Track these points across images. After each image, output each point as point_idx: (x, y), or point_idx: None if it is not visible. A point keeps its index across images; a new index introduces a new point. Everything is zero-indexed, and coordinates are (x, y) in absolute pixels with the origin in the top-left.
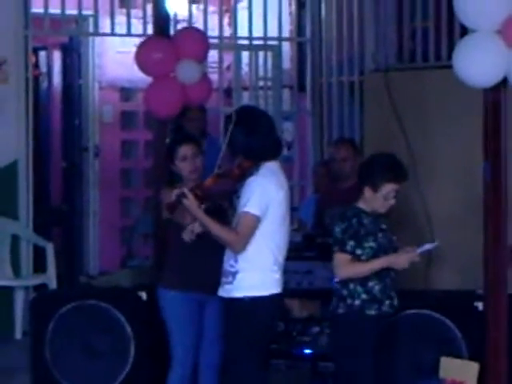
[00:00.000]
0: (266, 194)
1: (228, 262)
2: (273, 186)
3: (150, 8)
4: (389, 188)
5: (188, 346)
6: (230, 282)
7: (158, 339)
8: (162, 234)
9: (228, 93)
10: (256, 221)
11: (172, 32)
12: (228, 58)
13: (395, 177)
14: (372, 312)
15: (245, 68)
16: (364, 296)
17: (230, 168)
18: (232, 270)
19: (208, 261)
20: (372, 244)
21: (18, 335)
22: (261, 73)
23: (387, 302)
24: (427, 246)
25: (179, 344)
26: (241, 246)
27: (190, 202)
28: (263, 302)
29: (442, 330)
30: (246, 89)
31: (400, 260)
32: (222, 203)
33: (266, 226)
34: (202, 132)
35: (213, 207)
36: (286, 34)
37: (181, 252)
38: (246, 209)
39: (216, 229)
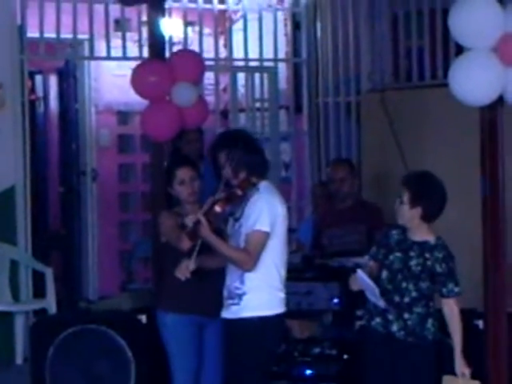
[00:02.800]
0: (273, 211)
1: (233, 285)
2: (277, 201)
3: (145, 31)
4: None
5: (188, 370)
6: (237, 304)
7: (159, 363)
8: (161, 258)
9: (224, 114)
10: (266, 237)
11: (167, 55)
12: (224, 80)
13: None
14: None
15: (241, 89)
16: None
17: (232, 191)
18: (238, 291)
19: (206, 283)
20: None
21: (19, 360)
22: (257, 94)
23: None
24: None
25: (180, 367)
26: (253, 265)
27: (205, 228)
28: (271, 322)
29: (442, 348)
30: (242, 110)
31: None
32: (220, 225)
33: (273, 243)
34: (199, 154)
35: (213, 230)
36: (281, 55)
37: (175, 274)
38: (257, 227)
39: (228, 251)
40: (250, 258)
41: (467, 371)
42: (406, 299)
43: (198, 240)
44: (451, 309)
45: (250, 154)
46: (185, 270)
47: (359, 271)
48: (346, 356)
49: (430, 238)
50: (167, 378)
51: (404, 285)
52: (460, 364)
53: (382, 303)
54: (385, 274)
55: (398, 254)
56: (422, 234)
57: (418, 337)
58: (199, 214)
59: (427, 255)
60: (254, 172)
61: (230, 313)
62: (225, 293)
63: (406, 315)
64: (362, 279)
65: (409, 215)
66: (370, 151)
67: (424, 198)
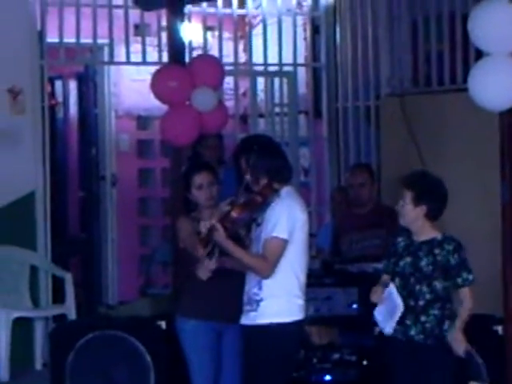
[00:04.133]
0: (292, 217)
1: (251, 290)
2: (297, 208)
3: (164, 36)
4: None
5: (207, 375)
6: (255, 310)
7: (178, 369)
8: (179, 263)
9: (244, 119)
10: (284, 245)
11: (187, 59)
12: (243, 85)
13: None
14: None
15: (260, 94)
16: None
17: (252, 197)
18: (256, 297)
19: (226, 289)
20: None
21: (38, 366)
22: (276, 99)
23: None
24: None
25: (198, 373)
26: (270, 272)
27: (220, 234)
28: (289, 329)
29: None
30: (261, 115)
31: None
32: (239, 231)
33: (292, 250)
34: (218, 159)
35: (230, 235)
36: (301, 59)
37: (198, 281)
38: (275, 233)
39: (245, 257)
40: (268, 265)
41: (463, 347)
42: (421, 302)
43: (211, 247)
44: (465, 296)
45: (272, 159)
46: (206, 269)
47: (392, 285)
48: (365, 362)
49: (437, 235)
50: (186, 383)
51: (417, 288)
52: (458, 339)
53: (390, 326)
54: (397, 281)
55: (408, 259)
56: (427, 232)
57: (437, 338)
58: (214, 220)
59: (436, 251)
60: (276, 178)
61: (248, 319)
62: (244, 298)
63: (423, 318)
64: (390, 294)
65: (413, 215)
66: (390, 156)
67: (427, 195)
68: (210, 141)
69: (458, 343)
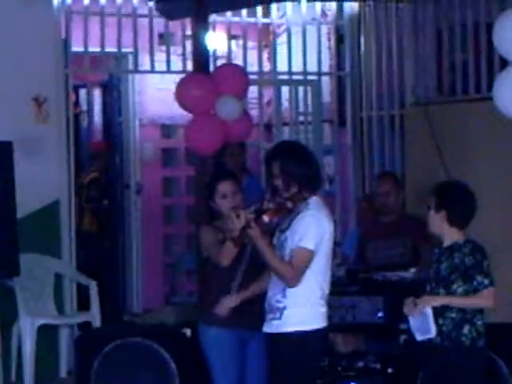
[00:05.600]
0: (320, 228)
1: (274, 298)
2: (325, 219)
3: (189, 45)
4: None
5: (230, 383)
6: (278, 318)
7: (203, 376)
8: (203, 272)
9: (268, 128)
10: (311, 256)
11: (211, 68)
12: (268, 93)
13: None
14: None
15: (285, 103)
16: None
17: (282, 202)
18: (280, 305)
19: (250, 298)
20: None
21: (63, 373)
22: (301, 107)
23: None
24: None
25: (222, 381)
26: (297, 281)
27: (255, 232)
28: (312, 337)
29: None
30: (286, 124)
31: None
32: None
33: (317, 260)
34: (241, 168)
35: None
36: (325, 68)
37: (221, 289)
38: (302, 244)
39: (276, 262)
40: (295, 274)
41: (423, 306)
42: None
43: (239, 255)
44: (485, 302)
45: (304, 167)
46: (225, 307)
47: (429, 309)
48: (389, 370)
49: (459, 239)
50: None
51: (435, 291)
52: (427, 299)
53: (419, 337)
54: (428, 287)
55: (434, 265)
56: (451, 237)
57: (454, 341)
58: (248, 216)
59: (456, 254)
60: (306, 186)
61: (271, 327)
62: (266, 306)
63: (440, 321)
64: (426, 316)
65: (436, 221)
66: (414, 165)
67: (447, 201)
68: (232, 149)
69: (423, 302)
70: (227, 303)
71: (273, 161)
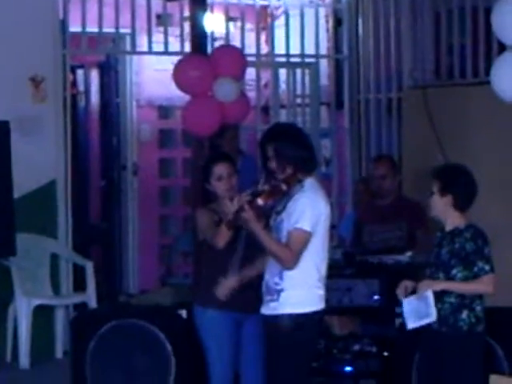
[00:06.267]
0: (316, 210)
1: (272, 280)
2: (321, 200)
3: (187, 26)
4: None
5: (226, 365)
6: (276, 300)
7: (199, 358)
8: (198, 255)
9: (265, 110)
10: (308, 237)
11: (209, 50)
12: (265, 76)
13: None
14: None
15: (282, 85)
16: None
17: (276, 185)
18: (277, 287)
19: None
20: None
21: (59, 354)
22: (298, 90)
23: None
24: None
25: (218, 363)
26: (294, 263)
27: (249, 215)
28: (308, 319)
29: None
30: (283, 106)
31: None
32: (258, 221)
33: (314, 242)
34: (236, 150)
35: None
36: (323, 51)
37: (216, 271)
38: (299, 225)
39: (271, 244)
40: (292, 256)
41: (423, 290)
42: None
43: (235, 237)
44: (485, 288)
45: (299, 149)
46: (224, 289)
47: (430, 292)
48: (385, 353)
49: (461, 224)
50: (207, 372)
51: (435, 275)
52: (427, 283)
53: (413, 324)
54: (427, 271)
55: (435, 249)
56: (453, 222)
57: (452, 327)
58: (242, 199)
59: (456, 239)
60: (301, 168)
61: (268, 309)
62: (263, 288)
63: (439, 305)
64: (426, 299)
65: (440, 204)
66: (411, 148)
67: (453, 185)
68: (229, 132)
69: (424, 285)
70: (227, 284)
71: (267, 143)
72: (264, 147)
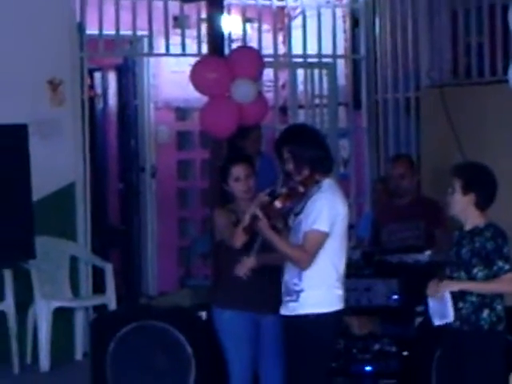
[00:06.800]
0: (333, 210)
1: (291, 281)
2: (339, 201)
3: (204, 28)
4: None
5: (246, 365)
6: (295, 300)
7: (219, 359)
8: (216, 255)
9: (283, 111)
10: (324, 237)
11: (226, 51)
12: (283, 76)
13: None
14: None
15: (300, 86)
16: None
17: (293, 187)
18: (296, 288)
19: (261, 280)
20: None
21: (79, 356)
22: (316, 90)
23: None
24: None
25: (237, 363)
26: (308, 264)
27: (263, 223)
28: (328, 319)
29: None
30: (301, 106)
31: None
32: (276, 223)
33: (332, 242)
34: (258, 150)
35: (270, 226)
36: (340, 51)
37: (233, 272)
38: (315, 226)
39: (285, 247)
40: (306, 257)
41: (444, 290)
42: None
43: (253, 235)
44: (505, 287)
45: (314, 149)
46: (244, 267)
47: (447, 294)
48: (405, 353)
49: (480, 223)
50: (227, 373)
51: (456, 274)
52: (447, 284)
53: (436, 322)
54: (447, 270)
55: (454, 248)
56: (473, 221)
57: (473, 325)
58: (256, 208)
59: (476, 238)
60: (318, 169)
61: (287, 310)
62: (283, 289)
63: (460, 304)
64: (445, 301)
65: (462, 203)
66: (429, 147)
67: (476, 184)
68: (253, 133)
69: (443, 286)
70: (247, 263)
71: (282, 146)
72: (280, 150)
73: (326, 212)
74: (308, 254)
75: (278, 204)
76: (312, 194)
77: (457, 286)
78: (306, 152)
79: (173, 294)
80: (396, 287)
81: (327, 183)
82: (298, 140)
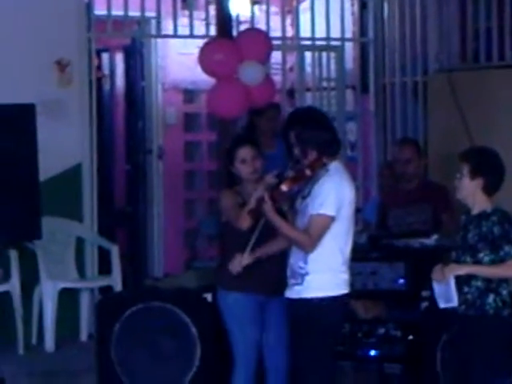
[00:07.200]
0: (340, 194)
1: (297, 264)
2: (346, 184)
3: (212, 9)
4: None
5: (250, 347)
6: (300, 283)
7: (224, 341)
8: (222, 237)
9: (291, 94)
10: (330, 221)
11: (234, 33)
12: (291, 59)
13: None
14: None
15: (308, 69)
16: None
17: (301, 169)
18: (301, 271)
19: (266, 262)
20: None
21: (84, 337)
22: (324, 73)
23: None
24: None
25: (242, 346)
26: (313, 247)
27: (268, 206)
28: (332, 303)
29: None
30: (309, 89)
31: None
32: (282, 205)
33: (338, 226)
34: (274, 131)
35: (276, 209)
36: (348, 34)
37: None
38: (322, 210)
39: (289, 231)
40: (311, 241)
41: (450, 274)
42: None
43: (259, 218)
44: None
45: (320, 132)
46: (237, 264)
47: (452, 278)
48: (410, 337)
49: (487, 207)
50: (232, 355)
51: (462, 259)
52: (455, 268)
53: (442, 305)
54: (453, 254)
55: (461, 233)
56: (480, 205)
57: (478, 310)
58: (263, 191)
59: (483, 223)
60: (325, 151)
61: (292, 292)
62: (288, 272)
63: (466, 289)
64: (449, 285)
65: (470, 188)
66: (437, 132)
67: (484, 168)
68: (268, 112)
69: (450, 269)
70: (240, 260)
71: (288, 131)
72: (286, 135)
73: (333, 196)
74: (312, 237)
75: (284, 187)
76: (319, 178)
77: (463, 270)
78: (313, 135)
79: (178, 275)
80: (402, 271)
81: (334, 166)
82: (303, 123)
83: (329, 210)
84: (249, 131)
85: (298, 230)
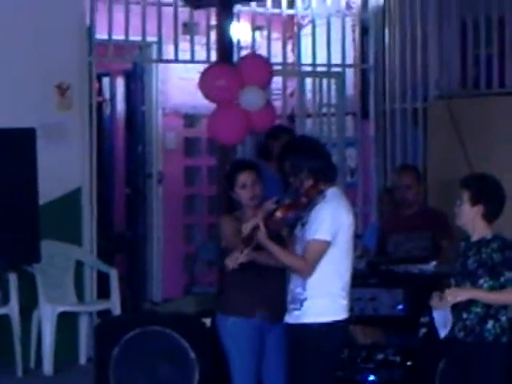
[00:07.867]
0: (336, 220)
1: (296, 289)
2: (343, 210)
3: (213, 35)
4: None
5: (248, 373)
6: (298, 309)
7: (223, 366)
8: (222, 262)
9: (291, 119)
10: (326, 246)
11: (235, 59)
12: (291, 85)
13: None
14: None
15: (308, 94)
16: None
17: (297, 198)
18: (300, 296)
19: (266, 287)
20: None
21: (83, 361)
22: (324, 99)
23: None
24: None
25: (240, 370)
26: (308, 273)
27: (262, 233)
28: (331, 328)
29: None
30: (309, 115)
31: None
32: (281, 232)
33: (336, 252)
34: None
35: (272, 235)
36: (349, 60)
37: (240, 279)
38: (317, 236)
39: (284, 257)
40: (307, 266)
41: (447, 300)
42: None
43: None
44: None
45: (314, 160)
46: (234, 259)
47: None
48: (409, 363)
49: (487, 234)
50: (230, 380)
51: (461, 285)
52: (456, 292)
53: (442, 334)
54: (452, 281)
55: (460, 259)
56: (480, 232)
57: (477, 336)
58: (258, 219)
59: (483, 249)
60: (321, 178)
61: (291, 318)
62: (288, 297)
63: (465, 315)
64: (446, 311)
65: (470, 214)
66: (436, 158)
67: (485, 195)
68: (283, 136)
69: (451, 295)
70: (237, 257)
71: (283, 161)
72: (282, 166)
73: (329, 221)
74: (308, 262)
75: (278, 214)
76: (316, 204)
77: (464, 295)
78: (306, 163)
79: (177, 300)
80: (401, 297)
81: (331, 192)
82: (296, 153)
83: (324, 235)
84: (265, 154)
85: (294, 255)
